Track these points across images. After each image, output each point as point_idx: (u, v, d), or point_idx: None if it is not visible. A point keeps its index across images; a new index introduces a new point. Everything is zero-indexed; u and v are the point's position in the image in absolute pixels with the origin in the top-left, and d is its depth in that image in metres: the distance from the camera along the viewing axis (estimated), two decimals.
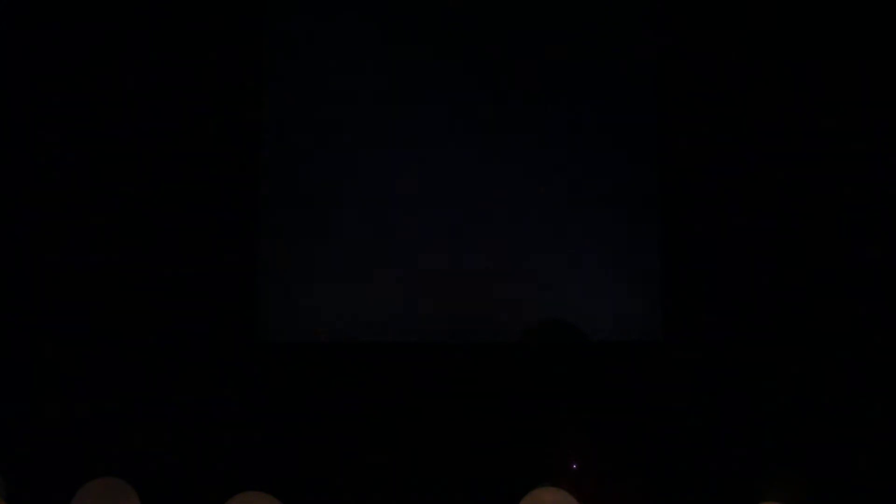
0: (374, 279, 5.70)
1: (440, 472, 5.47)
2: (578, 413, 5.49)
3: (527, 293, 5.69)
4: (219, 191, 5.74)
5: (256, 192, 5.78)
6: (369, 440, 5.52)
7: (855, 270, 5.52)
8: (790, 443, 5.38)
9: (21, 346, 5.59)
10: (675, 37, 5.77)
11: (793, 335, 5.51)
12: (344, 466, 5.49)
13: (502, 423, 5.50)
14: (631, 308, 5.67)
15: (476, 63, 5.84)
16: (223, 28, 5.83)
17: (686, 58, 5.74)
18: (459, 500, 5.43)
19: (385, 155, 5.80)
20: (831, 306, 5.51)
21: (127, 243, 5.69)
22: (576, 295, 5.68)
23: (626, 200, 5.74)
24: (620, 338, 5.64)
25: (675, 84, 5.74)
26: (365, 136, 5.81)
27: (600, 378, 5.57)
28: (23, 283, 5.65)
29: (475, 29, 5.86)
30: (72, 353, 5.57)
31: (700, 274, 5.62)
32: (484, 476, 5.43)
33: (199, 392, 5.55)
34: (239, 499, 4.15)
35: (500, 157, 5.78)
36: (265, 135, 5.83)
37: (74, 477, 4.34)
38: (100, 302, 5.62)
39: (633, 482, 5.37)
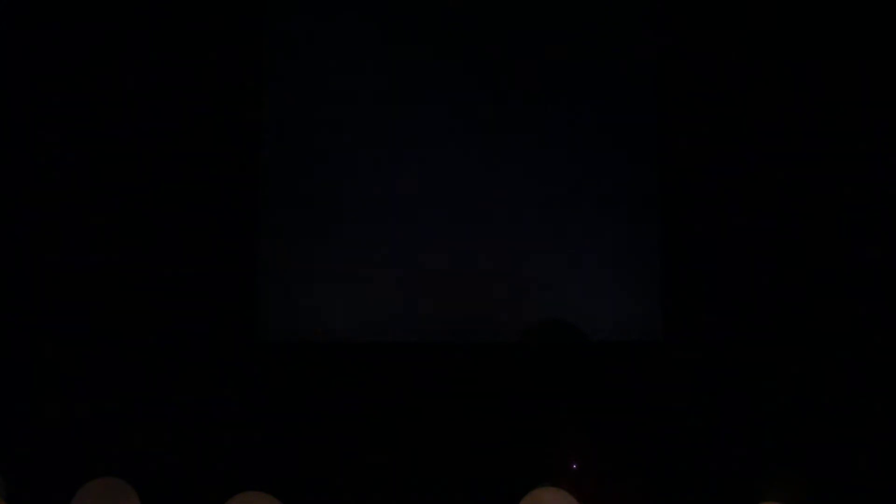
0: (374, 279, 5.70)
1: (440, 472, 5.47)
2: (578, 413, 5.49)
3: (527, 293, 5.69)
4: (219, 191, 5.74)
5: (256, 192, 5.78)
6: (369, 440, 5.52)
7: (855, 270, 5.52)
8: (790, 443, 5.38)
9: (21, 346, 5.59)
10: (675, 37, 5.77)
11: (793, 335, 5.51)
12: (344, 466, 5.49)
13: (502, 423, 5.50)
14: (631, 308, 5.67)
15: (476, 63, 5.84)
16: (223, 28, 5.83)
17: (686, 58, 5.74)
18: (459, 500, 5.43)
19: (385, 155, 5.80)
20: (831, 306, 5.51)
21: (127, 243, 5.69)
22: (576, 295, 5.68)
23: (626, 200, 5.74)
24: (620, 338, 5.64)
25: (675, 84, 5.75)
26: (365, 136, 5.81)
27: (600, 378, 5.57)
28: (23, 283, 5.65)
29: (475, 29, 5.86)
30: (72, 353, 5.57)
31: (700, 274, 5.62)
32: (484, 476, 5.43)
33: (199, 392, 5.55)
34: (239, 499, 4.16)
35: (500, 157, 5.78)
36: (265, 135, 5.83)
37: (74, 477, 4.34)
38: (100, 302, 5.62)
39: (633, 482, 5.37)
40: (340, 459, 5.50)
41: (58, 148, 5.74)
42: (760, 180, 5.63)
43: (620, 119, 5.79)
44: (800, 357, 5.47)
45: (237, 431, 5.52)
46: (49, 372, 5.56)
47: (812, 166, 5.61)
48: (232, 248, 5.71)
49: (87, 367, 5.57)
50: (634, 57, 5.83)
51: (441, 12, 5.88)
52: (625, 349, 5.61)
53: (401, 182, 5.78)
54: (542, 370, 5.60)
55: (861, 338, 5.47)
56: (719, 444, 5.43)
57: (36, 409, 5.52)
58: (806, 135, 5.63)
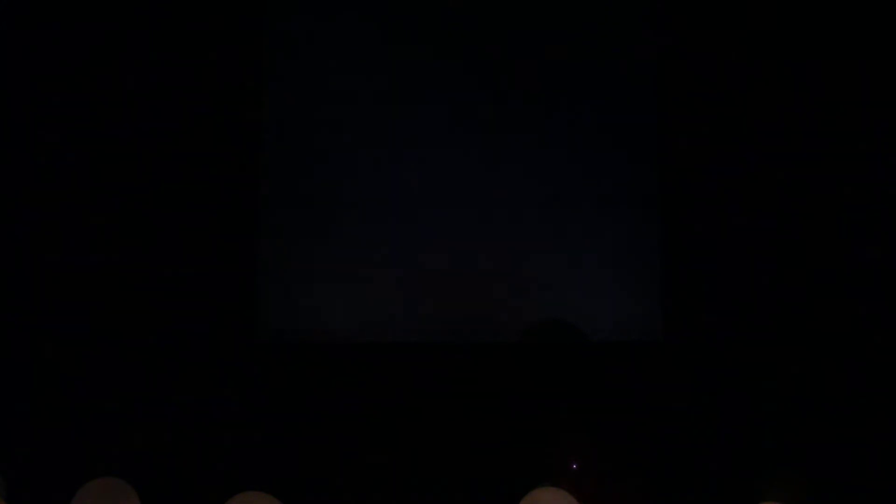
0: (374, 279, 5.70)
1: (440, 472, 5.47)
2: (578, 413, 5.49)
3: (527, 293, 5.69)
4: (219, 191, 5.74)
5: (256, 192, 5.78)
6: (369, 440, 5.52)
7: (855, 270, 5.52)
8: (790, 443, 5.38)
9: (21, 346, 5.59)
10: (675, 37, 5.77)
11: (793, 335, 5.51)
12: (344, 466, 5.49)
13: (502, 423, 5.50)
14: (631, 308, 5.67)
15: (476, 63, 5.84)
16: (223, 28, 5.83)
17: (686, 58, 5.74)
18: (459, 500, 5.43)
19: (385, 155, 5.80)
20: (831, 306, 5.51)
21: (127, 243, 5.69)
22: (576, 295, 5.68)
23: (626, 200, 5.74)
24: (620, 338, 5.64)
25: (675, 84, 5.75)
26: (365, 136, 5.81)
27: (600, 378, 5.57)
28: (23, 283, 5.65)
29: (475, 29, 5.86)
30: (72, 353, 5.57)
31: (700, 274, 5.62)
32: (484, 476, 5.43)
33: (199, 392, 5.55)
34: (239, 499, 4.16)
35: (500, 157, 5.78)
36: (265, 135, 5.83)
37: (74, 477, 4.34)
38: (100, 302, 5.62)
39: (633, 482, 5.37)
40: (340, 459, 5.50)
41: (58, 148, 5.74)
42: (760, 180, 5.63)
43: (620, 119, 5.79)
44: (800, 357, 5.47)
45: (237, 431, 5.52)
46: (49, 372, 5.56)
47: (812, 166, 5.61)
48: (232, 248, 5.71)
49: (87, 367, 5.57)
50: (634, 57, 5.83)
51: (441, 12, 5.88)
52: (625, 349, 5.61)
53: (401, 182, 5.78)
54: (542, 370, 5.60)
55: (861, 338, 5.47)
56: (719, 444, 5.43)
57: (36, 409, 5.52)
58: (806, 135, 5.63)
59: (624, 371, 5.57)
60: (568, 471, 5.37)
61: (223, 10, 5.85)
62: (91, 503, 4.20)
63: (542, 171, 5.77)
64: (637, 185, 5.75)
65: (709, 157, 5.67)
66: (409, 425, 5.53)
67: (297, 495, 4.60)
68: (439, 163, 5.79)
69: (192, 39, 5.82)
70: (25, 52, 5.79)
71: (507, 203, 5.75)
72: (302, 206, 5.78)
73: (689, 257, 5.64)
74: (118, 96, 5.76)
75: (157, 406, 5.53)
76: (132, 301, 5.64)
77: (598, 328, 5.64)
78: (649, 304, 5.66)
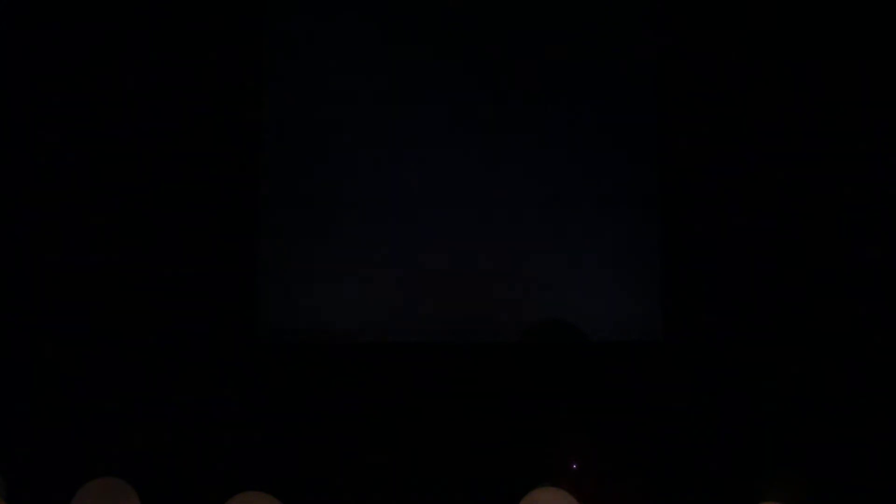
0: (374, 279, 5.70)
1: (440, 472, 5.47)
2: (578, 413, 5.49)
3: (527, 293, 5.69)
4: (219, 191, 5.74)
5: (256, 192, 5.78)
6: (369, 440, 5.52)
7: (855, 270, 5.52)
8: (790, 443, 5.38)
9: (21, 346, 5.59)
10: (675, 37, 5.77)
11: (793, 335, 5.51)
12: (344, 466, 5.49)
13: (502, 423, 5.50)
14: (631, 308, 5.67)
15: (476, 63, 5.84)
16: (223, 28, 5.83)
17: (686, 58, 5.74)
18: (459, 500, 5.43)
19: (385, 155, 5.80)
20: (831, 306, 5.51)
21: (127, 243, 5.69)
22: (576, 295, 5.68)
23: (626, 200, 5.74)
24: (620, 338, 5.64)
25: (675, 84, 5.75)
26: (365, 136, 5.81)
27: (600, 378, 5.57)
28: (23, 283, 5.65)
29: (475, 29, 5.86)
30: (72, 353, 5.57)
31: (700, 274, 5.62)
32: (484, 476, 5.43)
33: (199, 392, 5.55)
34: (239, 499, 4.16)
35: (500, 157, 5.78)
36: (265, 135, 5.83)
37: (74, 477, 4.35)
38: (100, 302, 5.62)
39: (633, 482, 5.37)
40: (340, 459, 5.50)
41: (58, 148, 5.74)
42: (760, 180, 5.63)
43: (620, 119, 5.79)
44: (800, 357, 5.47)
45: (237, 431, 5.52)
46: (49, 372, 5.56)
47: (812, 166, 5.61)
48: (232, 248, 5.71)
49: (87, 367, 5.57)
50: (634, 57, 5.83)
51: (441, 12, 5.88)
52: (625, 349, 5.61)
53: (401, 182, 5.78)
54: (542, 370, 5.60)
55: (861, 338, 5.47)
56: (719, 444, 5.43)
57: (36, 409, 5.52)
58: (806, 135, 5.63)
59: (624, 371, 5.57)
60: (568, 471, 5.37)
61: (223, 10, 5.85)
62: (91, 503, 4.20)
63: (542, 171, 5.77)
64: (637, 185, 5.75)
65: (709, 157, 5.67)
66: (409, 425, 5.53)
67: (297, 495, 4.60)
68: (439, 163, 5.79)
69: (192, 39, 5.82)
70: (25, 52, 5.79)
71: (507, 203, 5.75)
72: (302, 206, 5.78)
73: (689, 257, 5.64)
74: (118, 96, 5.76)
75: (157, 406, 5.53)
76: (132, 301, 5.64)
77: (598, 328, 5.64)
78: (649, 304, 5.66)
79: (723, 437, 5.44)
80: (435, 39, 5.86)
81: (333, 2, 5.91)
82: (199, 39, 5.82)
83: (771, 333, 5.53)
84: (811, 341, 5.49)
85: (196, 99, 5.78)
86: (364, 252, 5.73)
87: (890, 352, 5.44)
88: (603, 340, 5.63)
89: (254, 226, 5.76)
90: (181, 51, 5.80)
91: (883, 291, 5.50)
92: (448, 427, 5.51)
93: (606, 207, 5.74)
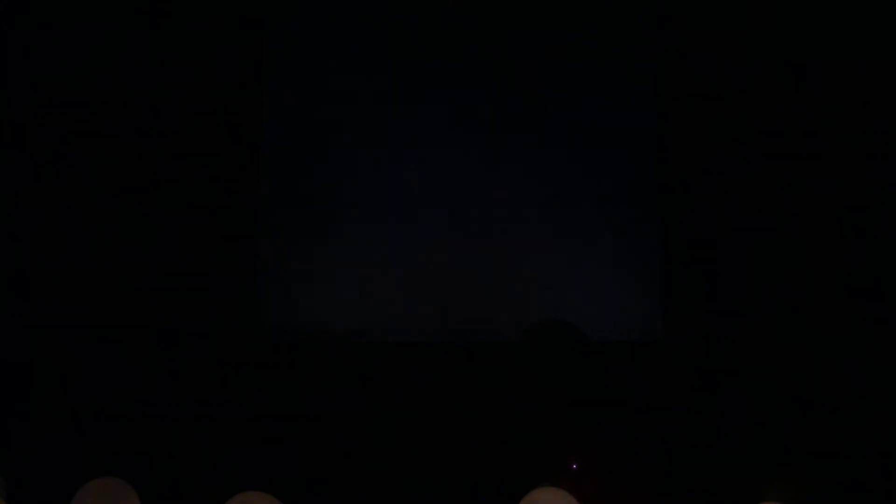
0: (374, 279, 5.70)
1: (440, 472, 5.47)
2: (578, 413, 5.49)
3: (527, 293, 5.69)
4: (219, 191, 5.74)
5: (256, 192, 5.78)
6: (369, 440, 5.52)
7: (855, 270, 5.52)
8: (790, 443, 5.38)
9: (21, 346, 5.59)
10: (675, 37, 5.77)
11: (793, 335, 5.51)
12: (344, 466, 5.49)
13: (502, 423, 5.50)
14: (631, 308, 5.66)
15: (476, 63, 5.84)
16: (223, 28, 5.83)
17: (686, 58, 5.74)
18: (459, 500, 5.43)
19: (385, 155, 5.80)
20: (831, 306, 5.51)
21: (127, 243, 5.69)
22: (576, 295, 5.68)
23: (626, 200, 5.74)
24: (620, 338, 5.64)
25: (675, 84, 5.75)
26: (365, 136, 5.81)
27: (600, 378, 5.57)
28: (23, 283, 5.65)
29: (475, 29, 5.86)
30: (72, 353, 5.57)
31: (700, 274, 5.62)
32: (484, 476, 5.43)
33: (199, 392, 5.55)
34: (239, 499, 4.16)
35: (500, 157, 5.78)
36: (265, 135, 5.83)
37: (74, 477, 4.34)
38: (100, 302, 5.62)
39: (633, 482, 5.37)
40: (340, 459, 5.50)
41: (58, 148, 5.74)
42: (760, 180, 5.63)
43: (620, 119, 5.79)
44: (800, 357, 5.47)
45: (237, 431, 5.52)
46: (49, 372, 5.56)
47: (812, 166, 5.61)
48: (232, 248, 5.71)
49: (87, 367, 5.57)
50: (634, 57, 5.83)
51: (441, 12, 5.88)
52: (625, 349, 5.61)
53: (401, 182, 5.78)
54: (542, 370, 5.60)
55: (861, 338, 5.47)
56: (719, 444, 5.43)
57: (36, 409, 5.52)
58: (806, 135, 5.63)
59: (624, 371, 5.57)
60: (568, 471, 5.37)
61: (223, 10, 5.85)
62: (91, 503, 4.20)
63: (542, 171, 5.77)
64: (637, 185, 5.75)
65: (709, 157, 5.67)
66: (409, 425, 5.53)
67: (297, 495, 4.60)
68: (439, 163, 5.79)
69: (192, 39, 5.82)
70: (25, 52, 5.79)
71: (507, 203, 5.75)
72: (302, 206, 5.78)
73: (689, 257, 5.64)
74: (118, 96, 5.76)
75: (157, 406, 5.53)
76: (132, 301, 5.63)
77: (598, 328, 5.64)
78: (649, 304, 5.66)
79: (723, 437, 5.44)
80: (435, 39, 5.86)
81: (333, 2, 5.91)
82: (199, 39, 5.82)
83: (771, 333, 5.53)
84: (811, 341, 5.49)
85: (196, 99, 5.77)
86: (364, 252, 5.73)
87: (890, 352, 5.44)
88: (603, 340, 5.63)
89: (254, 226, 5.76)
90: (181, 51, 5.80)
91: (883, 291, 5.50)
92: (448, 427, 5.51)
93: (606, 207, 5.74)
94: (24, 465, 5.24)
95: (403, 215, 5.75)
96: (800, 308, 5.53)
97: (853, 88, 5.62)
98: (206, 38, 5.82)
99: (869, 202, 5.57)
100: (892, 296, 5.50)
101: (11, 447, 5.34)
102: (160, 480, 5.25)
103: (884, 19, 5.65)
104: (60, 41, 5.79)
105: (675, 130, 5.72)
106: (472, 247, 5.72)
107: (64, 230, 5.68)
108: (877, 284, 5.51)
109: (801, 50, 5.68)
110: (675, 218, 5.68)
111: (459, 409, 5.54)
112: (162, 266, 5.67)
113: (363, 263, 5.72)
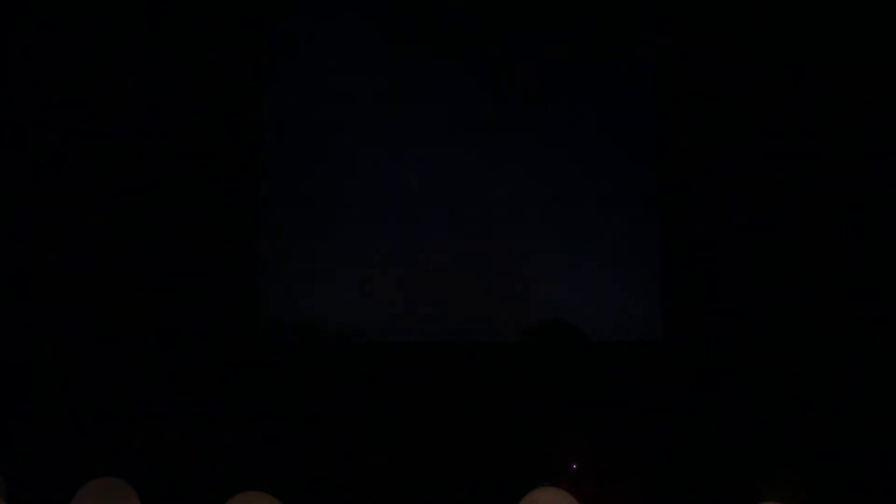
0: (374, 279, 5.71)
1: (440, 472, 5.47)
2: (578, 413, 5.49)
3: (527, 293, 5.68)
4: (219, 191, 5.74)
5: (256, 192, 5.78)
6: (369, 440, 5.52)
7: (855, 270, 5.52)
8: (790, 443, 5.38)
9: (21, 346, 5.59)
10: (675, 37, 5.77)
11: (793, 335, 5.51)
12: (344, 466, 5.49)
13: (502, 423, 5.50)
14: (631, 308, 5.67)
15: (476, 63, 5.84)
16: (223, 28, 5.83)
17: (686, 58, 5.74)
18: (459, 500, 5.43)
19: (385, 155, 5.80)
20: (831, 306, 5.51)
21: (127, 243, 5.69)
22: (576, 295, 5.68)
23: (626, 200, 5.74)
24: (620, 338, 5.64)
25: (675, 84, 5.75)
26: (365, 136, 5.81)
27: (600, 378, 5.57)
28: (23, 283, 5.65)
29: (475, 29, 5.86)
30: (72, 353, 5.57)
31: (700, 274, 5.62)
32: (484, 476, 5.43)
33: (199, 392, 5.55)
34: (239, 499, 4.16)
35: (500, 157, 5.78)
36: (265, 135, 5.83)
37: (74, 477, 4.35)
38: (100, 302, 5.62)
39: (633, 482, 5.37)
40: (340, 459, 5.50)
41: (58, 148, 5.74)
42: (760, 180, 5.63)
43: (620, 119, 5.79)
44: (800, 357, 5.47)
45: (237, 431, 5.52)
46: (49, 372, 5.56)
47: (812, 166, 5.61)
48: (232, 248, 5.71)
49: (87, 367, 5.57)
50: (634, 57, 5.83)
51: (441, 12, 5.88)
52: (625, 349, 5.61)
53: (401, 182, 5.78)
54: (542, 370, 5.60)
55: (861, 338, 5.47)
56: (719, 444, 5.43)
57: (36, 409, 5.52)
58: (806, 135, 5.63)
59: (624, 371, 5.57)
60: (568, 471, 5.37)
61: (223, 10, 5.85)
62: (91, 503, 4.20)
63: (542, 171, 5.77)
64: (637, 185, 5.75)
65: (709, 157, 5.67)
66: (409, 425, 5.53)
67: (297, 495, 4.60)
68: (439, 163, 5.79)
69: (192, 39, 5.82)
70: (25, 52, 5.79)
71: (507, 203, 5.75)
72: (302, 206, 5.78)
73: (689, 257, 5.64)
74: (118, 96, 5.76)
75: (157, 406, 5.53)
76: (132, 301, 5.64)
77: (598, 328, 5.64)
78: (649, 304, 5.66)
79: (723, 437, 5.44)
80: (435, 39, 5.86)
81: (333, 2, 5.91)
82: (199, 39, 5.82)
83: (771, 333, 5.53)
84: (811, 341, 5.49)
85: (196, 99, 5.78)
86: (364, 252, 5.73)
87: (890, 352, 5.44)
88: (603, 340, 5.63)
89: (254, 226, 5.76)
90: (181, 51, 5.80)
91: (883, 291, 5.50)
92: (448, 427, 5.51)
93: (606, 207, 5.74)
94: (24, 465, 5.23)
95: (403, 215, 5.75)
96: (800, 308, 5.53)
97: (853, 88, 5.62)
98: (206, 38, 5.82)
99: (869, 202, 5.57)
100: (892, 296, 5.50)
101: (11, 447, 5.34)
102: (160, 480, 5.25)
103: (884, 19, 5.64)
104: (60, 41, 5.79)
105: (675, 130, 5.72)
106: (472, 247, 5.72)
107: (64, 230, 5.68)
108: (877, 284, 5.51)
109: (801, 50, 5.68)
110: (675, 218, 5.68)
111: (459, 409, 5.54)
112: (162, 266, 5.67)
113: (363, 263, 5.72)
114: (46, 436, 5.48)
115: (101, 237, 5.68)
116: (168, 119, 5.76)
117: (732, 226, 5.62)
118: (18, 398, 5.53)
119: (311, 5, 5.92)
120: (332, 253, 5.74)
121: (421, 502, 5.45)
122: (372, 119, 5.82)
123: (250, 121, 5.81)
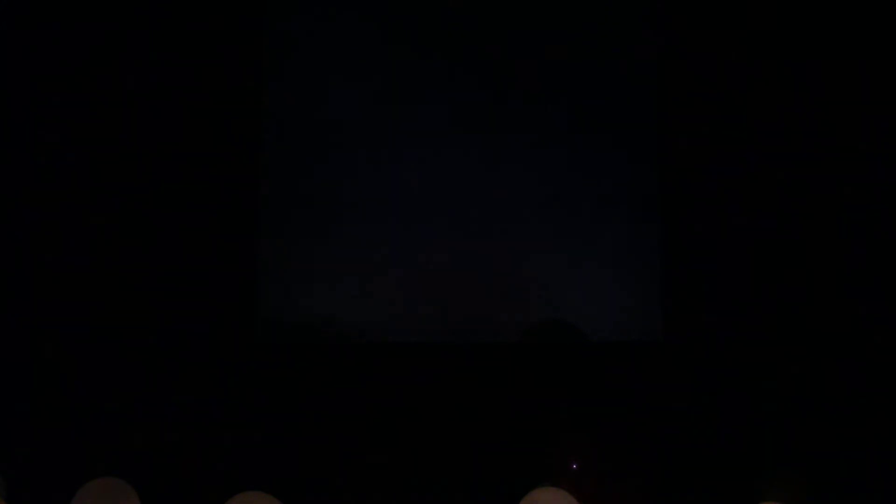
0: (374, 279, 5.71)
1: (440, 472, 5.47)
2: (578, 413, 5.49)
3: (527, 293, 5.69)
4: (219, 191, 5.74)
5: (256, 192, 5.78)
6: (369, 440, 5.52)
7: (855, 270, 5.52)
8: (790, 443, 5.38)
9: (21, 346, 5.59)
10: (675, 37, 5.77)
11: (793, 335, 5.51)
12: (344, 466, 5.49)
13: (502, 423, 5.50)
14: (631, 308, 5.66)
15: (476, 63, 5.84)
16: (223, 28, 5.83)
17: (686, 58, 5.74)
18: (459, 500, 5.43)
19: (385, 155, 5.80)
20: (831, 306, 5.51)
21: (127, 243, 5.69)
22: (576, 295, 5.68)
23: (626, 200, 5.74)
24: (620, 338, 5.64)
25: (675, 84, 5.74)
26: (365, 136, 5.81)
27: (600, 378, 5.57)
28: (23, 283, 5.65)
29: (475, 29, 5.86)
30: (72, 353, 5.57)
31: (700, 274, 5.62)
32: (484, 476, 5.43)
33: (199, 392, 5.55)
34: (239, 499, 4.16)
35: (501, 157, 5.78)
36: (265, 135, 5.83)
37: (74, 477, 4.34)
38: (100, 302, 5.62)
39: (633, 482, 5.37)
40: (340, 459, 5.50)
41: (58, 148, 5.74)
42: (760, 180, 5.63)
43: (620, 119, 5.79)
44: (800, 357, 5.47)
45: (237, 431, 5.52)
46: (49, 372, 5.56)
47: (812, 166, 5.61)
48: (232, 248, 5.71)
49: (87, 367, 5.57)
50: (634, 57, 5.83)
51: (441, 12, 5.88)
52: (625, 349, 5.61)
53: (401, 182, 5.78)
54: (542, 370, 5.60)
55: (861, 338, 5.47)
56: (719, 444, 5.43)
57: (36, 409, 5.52)
58: (806, 135, 5.63)
59: (624, 371, 5.57)
60: (568, 471, 5.37)
61: (223, 10, 5.85)
62: (91, 503, 4.20)
63: (542, 171, 5.77)
64: (637, 185, 5.75)
65: (709, 157, 5.67)
66: (409, 425, 5.53)
67: (297, 495, 4.60)
68: (439, 163, 5.79)
69: (192, 39, 5.82)
70: (25, 52, 5.79)
71: (507, 203, 5.75)
72: (302, 206, 5.78)
73: (689, 257, 5.64)
74: (118, 96, 5.76)
75: (157, 406, 5.53)
76: (132, 301, 5.63)
77: (598, 328, 5.64)
78: (649, 304, 5.66)
79: (723, 437, 5.44)
80: (435, 39, 5.86)
81: (333, 2, 5.91)
82: (199, 39, 5.82)
83: (771, 333, 5.53)
84: (811, 341, 5.49)
85: (196, 99, 5.77)
86: (364, 252, 5.73)
87: (890, 352, 5.44)
88: (603, 340, 5.63)
89: (254, 226, 5.76)
90: (181, 51, 5.80)
91: (883, 291, 5.50)
92: (448, 427, 5.51)
93: (606, 207, 5.74)
94: (24, 465, 5.23)
95: (403, 215, 5.75)
96: (800, 308, 5.53)
97: (853, 88, 5.61)
98: (206, 38, 5.82)
99: (869, 202, 5.57)
100: (892, 296, 5.50)
101: (11, 447, 5.34)
102: (160, 480, 5.25)
103: (884, 19, 5.64)
104: (60, 41, 5.79)
105: (675, 130, 5.72)
106: (472, 247, 5.72)
107: (64, 230, 5.68)
108: (877, 284, 5.51)
109: (801, 50, 5.68)
110: (675, 218, 5.68)
111: (459, 409, 5.54)
112: (162, 266, 5.67)
113: (363, 263, 5.72)
114: (46, 436, 5.47)
115: (101, 237, 5.68)
116: (168, 119, 5.76)
117: (732, 226, 5.62)
118: (18, 398, 5.53)
119: (311, 5, 5.92)
120: (332, 253, 5.74)
121: (421, 502, 5.45)
122: (372, 119, 5.82)
123: (250, 121, 5.80)
